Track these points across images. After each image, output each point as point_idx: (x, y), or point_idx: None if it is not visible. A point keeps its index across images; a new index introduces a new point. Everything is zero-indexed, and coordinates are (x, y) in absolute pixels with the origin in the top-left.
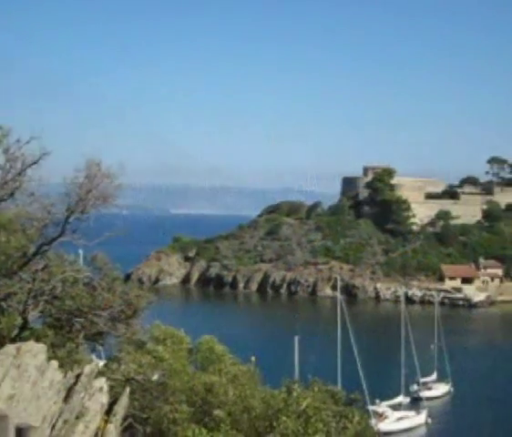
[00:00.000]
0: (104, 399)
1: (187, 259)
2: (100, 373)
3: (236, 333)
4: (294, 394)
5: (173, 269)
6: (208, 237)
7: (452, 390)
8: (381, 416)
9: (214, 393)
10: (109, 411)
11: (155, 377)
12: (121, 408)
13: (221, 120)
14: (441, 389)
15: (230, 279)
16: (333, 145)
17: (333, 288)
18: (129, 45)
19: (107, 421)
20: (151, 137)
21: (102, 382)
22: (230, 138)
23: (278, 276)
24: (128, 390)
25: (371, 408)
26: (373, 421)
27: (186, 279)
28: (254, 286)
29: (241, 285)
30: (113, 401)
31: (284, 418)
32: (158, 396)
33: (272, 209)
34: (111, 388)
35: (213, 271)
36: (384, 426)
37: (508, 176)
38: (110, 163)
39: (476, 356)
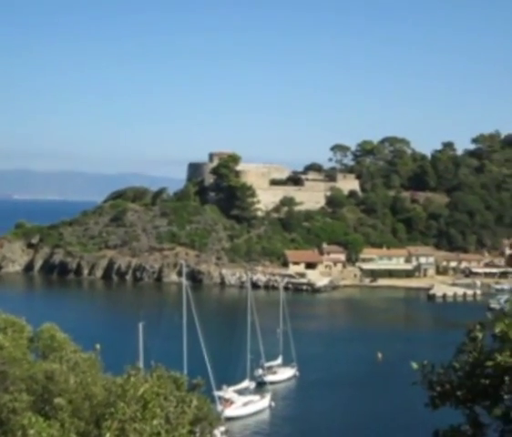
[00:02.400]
0: None
1: (30, 245)
2: None
3: (80, 320)
4: (132, 380)
5: (16, 257)
6: (52, 223)
7: (297, 373)
8: (227, 401)
9: (55, 381)
10: None
11: None
12: None
13: (65, 104)
14: (286, 373)
15: (74, 265)
16: (181, 130)
17: (179, 274)
18: None
19: None
20: None
21: None
22: (77, 123)
23: (123, 262)
24: None
25: (217, 393)
26: (219, 407)
27: (29, 267)
28: (99, 272)
29: (86, 272)
30: None
31: (122, 404)
32: None
33: (117, 195)
34: None
35: (57, 258)
36: (230, 411)
37: (351, 163)
38: None
39: (321, 340)
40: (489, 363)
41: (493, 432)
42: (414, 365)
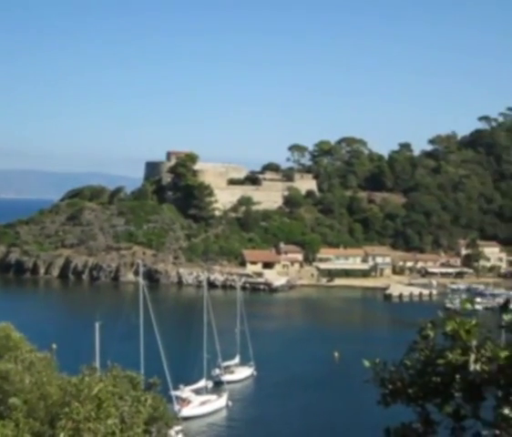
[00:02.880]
0: None
1: None
2: None
3: (36, 320)
4: (87, 380)
5: None
6: (8, 222)
7: (255, 373)
8: (184, 401)
9: (10, 381)
10: None
11: None
12: None
13: (20, 101)
14: (243, 372)
15: (30, 264)
16: (138, 129)
17: (136, 273)
18: None
19: None
20: None
21: None
22: (33, 121)
23: (80, 261)
24: None
25: (174, 393)
26: (176, 407)
27: None
28: (56, 271)
29: (42, 271)
30: None
31: (77, 404)
32: None
33: (74, 194)
34: None
35: (13, 257)
36: (187, 411)
37: (309, 163)
38: None
39: (278, 339)
40: (440, 361)
41: (444, 430)
42: (366, 363)
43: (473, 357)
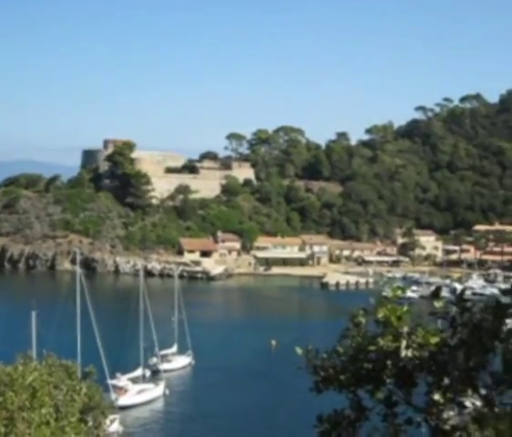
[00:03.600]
0: None
1: None
2: None
3: None
4: (20, 368)
5: None
6: None
7: (192, 362)
8: (121, 390)
9: None
10: None
11: None
12: None
13: None
14: (181, 361)
15: None
16: (75, 117)
17: (73, 261)
18: None
19: None
20: None
21: None
22: None
23: (16, 250)
24: None
25: (111, 382)
26: (113, 396)
27: None
28: None
29: None
30: None
31: (11, 393)
32: None
33: (10, 182)
34: None
35: None
36: (124, 400)
37: (246, 152)
38: None
39: (216, 328)
40: (372, 348)
41: (376, 416)
42: (299, 350)
43: (404, 343)
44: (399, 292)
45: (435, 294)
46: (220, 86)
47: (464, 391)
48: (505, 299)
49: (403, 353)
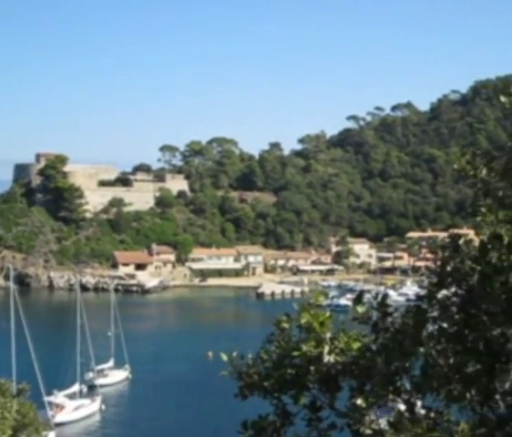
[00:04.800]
0: None
1: None
2: None
3: None
4: None
5: None
6: None
7: (130, 376)
8: (58, 407)
9: None
10: None
11: None
12: None
13: None
14: (118, 375)
15: None
16: (5, 130)
17: (6, 277)
18: None
19: None
20: None
21: None
22: None
23: None
24: None
25: (47, 399)
26: (49, 413)
27: None
28: None
29: None
30: None
31: None
32: None
33: None
34: None
35: None
36: (60, 417)
37: (180, 163)
38: None
39: (153, 341)
40: (295, 353)
41: (301, 421)
42: (224, 357)
43: (327, 348)
44: (321, 298)
45: (358, 299)
46: (152, 98)
47: (385, 396)
48: (424, 305)
49: (325, 359)
